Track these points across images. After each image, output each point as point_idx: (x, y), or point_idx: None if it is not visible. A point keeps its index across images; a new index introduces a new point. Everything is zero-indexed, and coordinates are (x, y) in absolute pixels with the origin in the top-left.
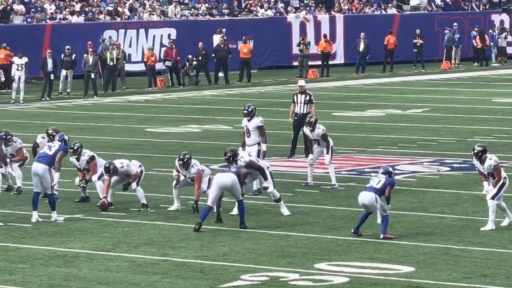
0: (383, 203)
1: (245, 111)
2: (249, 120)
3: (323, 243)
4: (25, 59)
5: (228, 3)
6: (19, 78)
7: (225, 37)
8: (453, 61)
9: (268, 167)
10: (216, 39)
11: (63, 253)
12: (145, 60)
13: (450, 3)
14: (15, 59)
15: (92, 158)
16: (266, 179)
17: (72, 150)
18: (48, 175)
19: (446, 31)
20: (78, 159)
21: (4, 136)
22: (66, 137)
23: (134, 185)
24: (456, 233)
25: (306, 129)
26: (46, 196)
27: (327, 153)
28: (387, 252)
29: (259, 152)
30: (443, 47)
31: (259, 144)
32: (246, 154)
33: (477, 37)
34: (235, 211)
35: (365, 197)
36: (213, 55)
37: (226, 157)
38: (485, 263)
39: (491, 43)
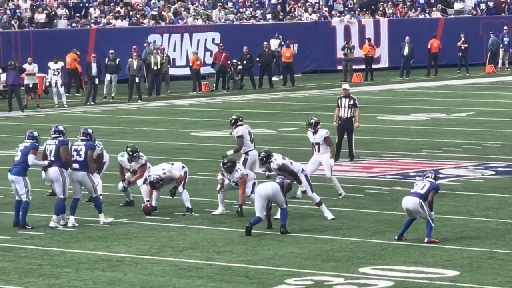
0: (427, 208)
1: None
2: (314, 133)
3: (367, 247)
4: (60, 64)
5: (272, 8)
6: (56, 83)
7: (282, 43)
8: (500, 65)
9: (302, 170)
10: (274, 43)
11: (108, 257)
12: (190, 64)
13: (492, 7)
14: (51, 64)
15: (145, 164)
16: (300, 183)
17: (129, 156)
18: (88, 179)
19: (491, 35)
20: (130, 161)
21: (130, 153)
22: (90, 130)
23: (180, 188)
24: (501, 237)
25: (308, 132)
26: (90, 200)
27: (331, 157)
28: (432, 256)
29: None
30: (487, 51)
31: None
32: (280, 157)
33: None
34: (279, 215)
35: (409, 202)
36: (257, 59)
37: (259, 157)
38: None
39: None
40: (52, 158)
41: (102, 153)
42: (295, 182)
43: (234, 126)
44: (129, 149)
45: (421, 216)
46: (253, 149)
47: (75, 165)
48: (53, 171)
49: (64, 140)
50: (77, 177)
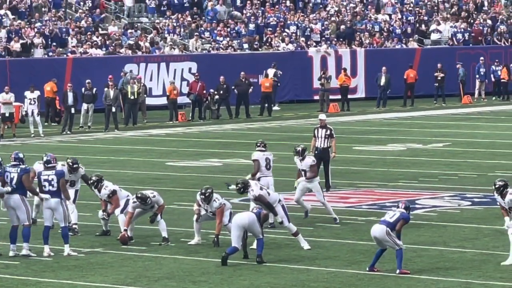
0: (394, 236)
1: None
2: (302, 160)
3: (343, 277)
4: (37, 93)
5: (249, 35)
6: (32, 112)
7: (279, 72)
8: (477, 95)
9: (280, 201)
10: (270, 72)
11: (84, 287)
12: (167, 93)
13: (468, 38)
14: (27, 93)
15: (113, 193)
16: (275, 214)
17: (92, 183)
18: (61, 207)
19: (458, 66)
20: (99, 191)
21: (71, 164)
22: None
23: (159, 216)
24: (476, 267)
25: (296, 159)
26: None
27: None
28: (408, 287)
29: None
30: (458, 82)
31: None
32: (258, 188)
33: (504, 70)
34: (255, 244)
35: (377, 230)
36: (233, 87)
37: (237, 187)
38: None
39: None
40: (14, 186)
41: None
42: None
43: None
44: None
45: (389, 245)
46: (267, 175)
47: (46, 196)
48: (15, 199)
49: (26, 168)
50: (50, 204)
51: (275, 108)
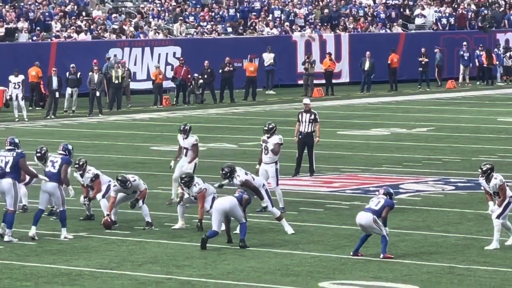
0: (381, 223)
1: (266, 128)
2: (268, 137)
3: (327, 261)
4: (21, 77)
5: (233, 21)
6: (17, 96)
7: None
8: (461, 80)
9: (263, 185)
10: (268, 57)
11: (67, 271)
12: (153, 78)
13: (453, 22)
14: (12, 78)
15: (96, 176)
16: (262, 198)
17: (77, 166)
18: (59, 192)
19: (436, 50)
20: (82, 175)
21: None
22: (70, 146)
23: (140, 202)
24: (460, 252)
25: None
26: (51, 213)
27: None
28: (392, 271)
29: (276, 172)
30: (434, 66)
31: (276, 163)
32: (243, 173)
33: (484, 55)
34: (239, 229)
35: (362, 217)
36: (220, 71)
37: (223, 172)
38: (489, 282)
39: (497, 62)
40: (8, 170)
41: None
42: (255, 197)
43: (270, 134)
44: (76, 160)
45: (375, 231)
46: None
47: (46, 178)
48: (6, 182)
49: (22, 152)
50: (47, 187)
51: (271, 92)
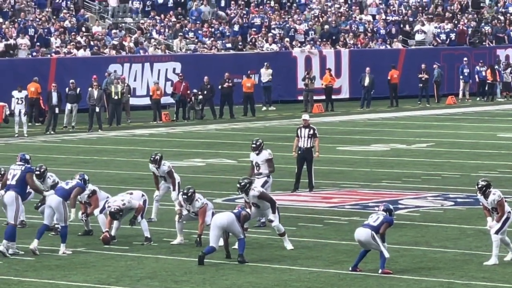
0: (379, 240)
1: (253, 145)
2: (257, 154)
3: (325, 277)
4: (24, 93)
5: (233, 36)
6: (19, 112)
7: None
8: (461, 96)
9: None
10: (265, 73)
11: (66, 286)
12: (150, 94)
13: (453, 38)
14: (15, 93)
15: (93, 192)
16: (274, 212)
17: (38, 173)
18: (62, 207)
19: (434, 66)
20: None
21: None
22: (86, 177)
23: (139, 218)
24: (459, 267)
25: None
26: (49, 229)
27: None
28: (390, 287)
29: (265, 184)
30: (443, 82)
31: (268, 176)
32: (259, 185)
33: (489, 71)
34: (237, 245)
35: (361, 233)
36: (219, 87)
37: (240, 185)
38: None
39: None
40: (13, 182)
41: (55, 184)
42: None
43: (258, 151)
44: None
45: (374, 247)
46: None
47: (49, 192)
48: (10, 195)
49: (30, 167)
50: (51, 202)
51: (271, 108)
